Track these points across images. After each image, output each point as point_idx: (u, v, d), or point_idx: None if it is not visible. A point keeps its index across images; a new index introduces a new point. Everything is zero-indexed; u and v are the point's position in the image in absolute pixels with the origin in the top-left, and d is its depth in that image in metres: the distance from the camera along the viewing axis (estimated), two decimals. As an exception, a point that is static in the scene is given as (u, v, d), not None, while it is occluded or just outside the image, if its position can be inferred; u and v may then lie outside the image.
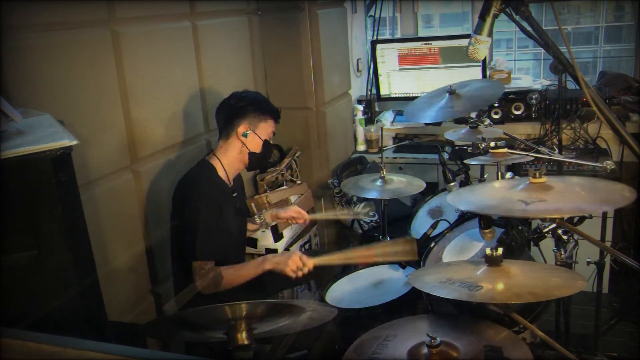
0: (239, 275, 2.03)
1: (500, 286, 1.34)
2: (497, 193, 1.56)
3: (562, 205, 1.40)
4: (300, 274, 2.01)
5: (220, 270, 2.01)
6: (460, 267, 1.52)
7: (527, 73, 4.03)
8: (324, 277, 2.29)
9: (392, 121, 3.75)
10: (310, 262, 2.01)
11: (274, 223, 2.58)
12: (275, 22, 3.09)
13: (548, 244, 1.84)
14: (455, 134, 2.47)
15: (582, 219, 1.70)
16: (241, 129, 2.13)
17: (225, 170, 2.15)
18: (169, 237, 2.20)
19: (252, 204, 2.90)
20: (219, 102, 2.22)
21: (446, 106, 2.40)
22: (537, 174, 1.45)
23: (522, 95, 3.34)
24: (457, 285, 1.36)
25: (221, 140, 2.19)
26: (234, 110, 2.15)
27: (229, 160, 2.16)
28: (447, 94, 2.43)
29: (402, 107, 2.53)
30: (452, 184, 2.28)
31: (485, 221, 1.79)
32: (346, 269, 2.38)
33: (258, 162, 2.24)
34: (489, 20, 1.54)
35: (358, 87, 3.85)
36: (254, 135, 2.15)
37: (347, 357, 1.43)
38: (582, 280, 1.34)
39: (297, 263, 1.99)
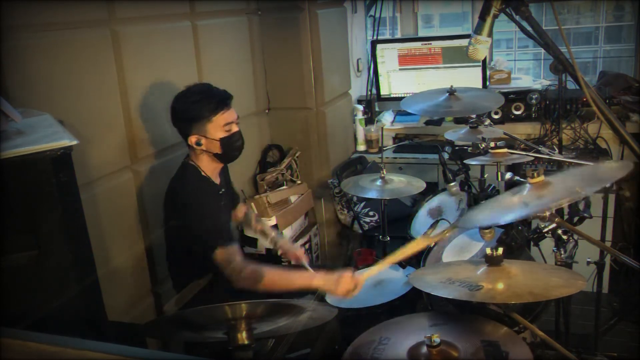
0: (283, 279, 1.89)
1: (500, 286, 1.34)
2: (505, 204, 1.53)
3: (558, 195, 1.39)
4: (350, 295, 1.83)
5: (262, 269, 1.88)
6: (460, 267, 1.52)
7: (527, 73, 4.04)
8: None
9: (392, 121, 3.76)
10: (362, 279, 1.83)
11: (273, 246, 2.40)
12: (275, 22, 3.09)
13: (548, 244, 1.84)
14: (455, 134, 2.47)
15: (582, 218, 1.70)
16: (192, 139, 2.00)
17: (204, 171, 2.08)
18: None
19: (252, 204, 2.91)
20: None
21: (444, 105, 2.41)
22: (535, 174, 1.45)
23: (522, 95, 3.34)
24: (457, 285, 1.36)
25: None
26: (176, 123, 2.04)
27: (203, 163, 2.08)
28: (447, 93, 2.44)
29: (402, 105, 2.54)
30: (452, 184, 2.28)
31: (485, 221, 1.79)
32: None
33: (229, 155, 2.10)
34: (489, 20, 1.54)
35: (358, 87, 3.85)
36: (207, 140, 2.01)
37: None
38: (582, 280, 1.34)
39: (348, 286, 1.81)
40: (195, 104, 1.98)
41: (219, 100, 2.01)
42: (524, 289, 1.31)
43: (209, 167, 2.10)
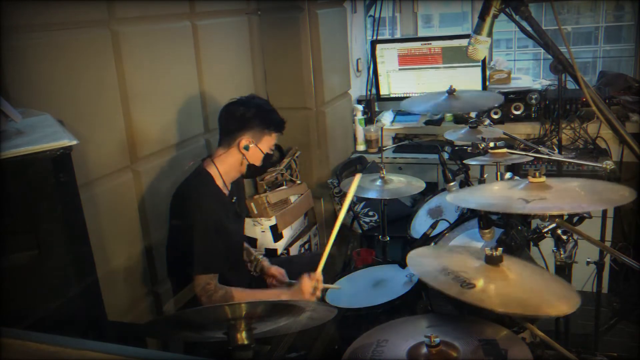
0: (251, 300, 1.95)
1: (492, 289, 1.31)
2: (497, 192, 1.55)
3: (563, 203, 1.39)
4: (318, 292, 1.97)
5: (232, 292, 1.96)
6: (462, 257, 1.48)
7: (527, 73, 4.04)
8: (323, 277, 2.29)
9: (392, 121, 3.76)
10: (318, 273, 1.96)
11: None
12: (275, 22, 3.09)
13: (548, 244, 1.83)
14: (455, 134, 2.47)
15: (581, 218, 1.70)
16: (243, 141, 2.05)
17: (222, 178, 2.09)
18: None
19: (252, 204, 2.91)
20: (223, 104, 2.13)
21: (444, 103, 2.42)
22: (537, 174, 1.45)
23: (521, 95, 3.34)
24: (451, 277, 1.33)
25: (221, 148, 2.10)
26: (239, 121, 2.06)
27: (227, 169, 2.09)
28: (446, 93, 2.44)
29: (402, 107, 2.55)
30: (451, 184, 2.28)
31: (485, 221, 1.79)
32: (346, 269, 2.37)
33: (255, 172, 2.19)
34: (488, 20, 1.54)
35: (358, 87, 3.86)
36: (255, 149, 2.08)
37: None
38: (576, 300, 1.30)
39: (309, 287, 1.95)
40: (271, 113, 2.12)
41: (284, 124, 2.16)
42: (514, 299, 1.28)
43: (228, 176, 2.12)
